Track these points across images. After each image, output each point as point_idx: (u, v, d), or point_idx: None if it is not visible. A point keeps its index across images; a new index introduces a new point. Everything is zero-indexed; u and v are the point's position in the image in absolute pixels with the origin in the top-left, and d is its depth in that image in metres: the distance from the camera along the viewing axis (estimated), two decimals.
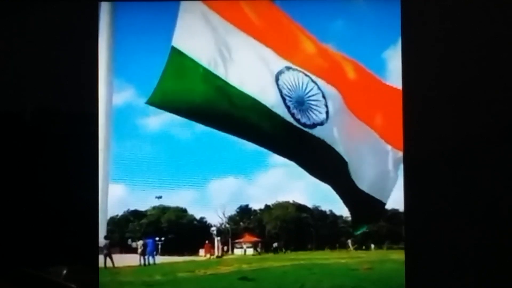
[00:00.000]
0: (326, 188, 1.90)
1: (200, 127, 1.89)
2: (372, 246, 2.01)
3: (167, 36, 1.86)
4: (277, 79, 1.90)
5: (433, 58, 1.85)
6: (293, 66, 1.92)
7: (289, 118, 1.90)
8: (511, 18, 1.86)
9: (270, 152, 1.90)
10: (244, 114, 1.88)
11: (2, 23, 1.94)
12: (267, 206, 1.98)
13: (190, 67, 1.85)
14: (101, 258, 1.89)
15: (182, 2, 1.86)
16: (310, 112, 1.92)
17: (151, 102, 1.84)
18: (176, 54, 1.83)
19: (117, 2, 1.90)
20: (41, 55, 1.92)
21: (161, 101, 1.84)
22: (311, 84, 1.93)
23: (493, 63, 1.85)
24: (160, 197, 1.90)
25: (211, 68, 1.86)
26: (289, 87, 1.91)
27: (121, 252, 1.95)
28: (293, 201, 1.96)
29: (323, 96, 1.93)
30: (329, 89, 1.94)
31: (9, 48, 1.95)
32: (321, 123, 1.92)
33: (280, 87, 1.90)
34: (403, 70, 1.84)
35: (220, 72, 1.87)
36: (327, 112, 1.93)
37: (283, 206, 1.98)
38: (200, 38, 1.87)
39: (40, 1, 1.96)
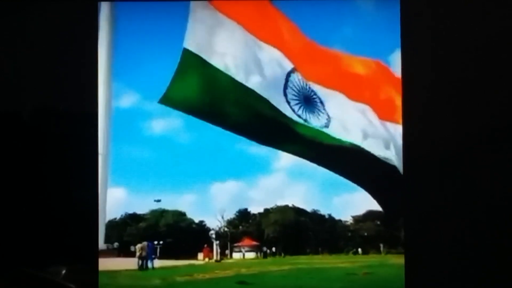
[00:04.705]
0: (325, 192, 1.90)
1: (199, 131, 1.90)
2: (368, 250, 2.03)
3: (167, 36, 1.87)
4: (286, 80, 1.94)
5: (433, 58, 1.83)
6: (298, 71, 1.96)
7: (297, 119, 1.94)
8: (511, 18, 1.84)
9: (270, 157, 1.92)
10: (256, 114, 1.90)
11: (2, 23, 1.93)
12: (266, 210, 1.99)
13: (202, 68, 1.86)
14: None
15: (192, 3, 1.86)
16: (314, 113, 1.96)
17: (164, 101, 1.85)
18: (188, 56, 1.84)
19: (117, 2, 1.90)
20: (41, 55, 1.92)
21: (174, 101, 1.85)
22: (312, 91, 1.97)
23: (493, 63, 1.84)
24: (159, 201, 1.90)
25: (223, 69, 1.88)
26: (295, 89, 1.94)
27: (119, 255, 1.96)
28: (292, 205, 1.96)
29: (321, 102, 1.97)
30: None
31: (9, 48, 1.94)
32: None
33: (289, 88, 1.93)
34: (402, 70, 1.83)
35: (231, 72, 1.88)
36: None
37: (282, 210, 1.98)
38: (211, 39, 1.87)
39: (40, 1, 1.94)
